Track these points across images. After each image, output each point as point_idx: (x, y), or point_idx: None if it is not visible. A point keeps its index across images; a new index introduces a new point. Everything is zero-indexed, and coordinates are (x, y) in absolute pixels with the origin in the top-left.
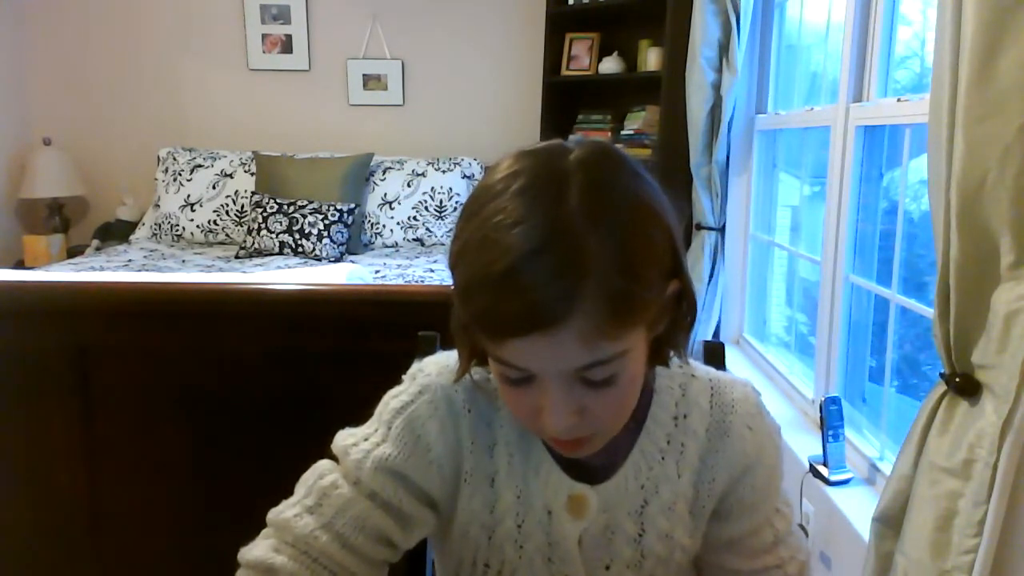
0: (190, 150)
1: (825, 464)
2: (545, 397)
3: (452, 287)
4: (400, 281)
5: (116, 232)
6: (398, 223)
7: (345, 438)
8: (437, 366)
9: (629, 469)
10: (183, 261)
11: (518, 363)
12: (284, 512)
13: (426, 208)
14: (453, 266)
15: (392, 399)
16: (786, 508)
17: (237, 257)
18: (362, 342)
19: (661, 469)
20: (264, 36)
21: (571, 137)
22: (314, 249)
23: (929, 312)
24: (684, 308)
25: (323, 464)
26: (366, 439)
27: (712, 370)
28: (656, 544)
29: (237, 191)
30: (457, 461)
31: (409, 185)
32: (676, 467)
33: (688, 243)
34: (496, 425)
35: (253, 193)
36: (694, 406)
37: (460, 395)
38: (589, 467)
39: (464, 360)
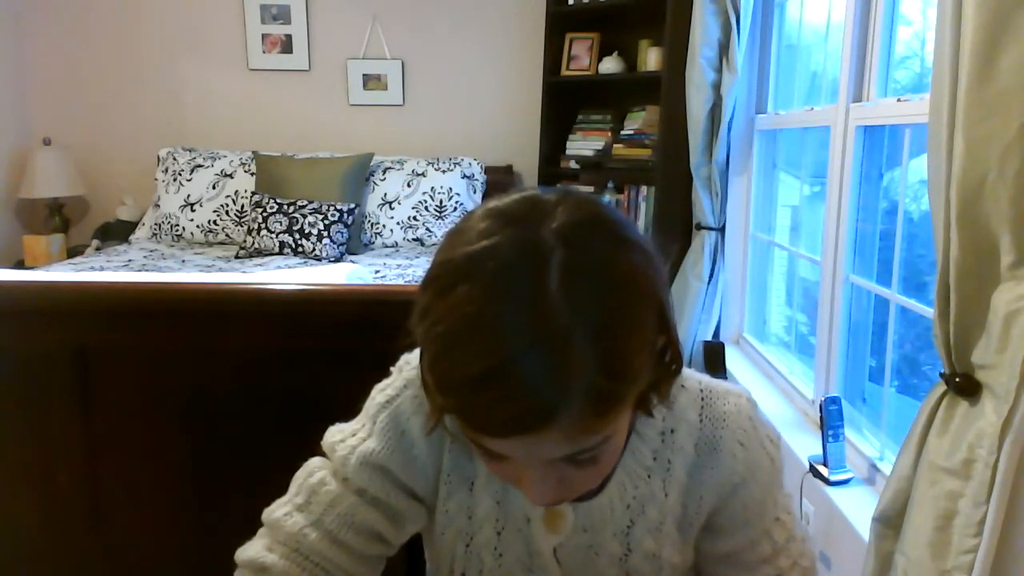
0: (190, 150)
1: (825, 464)
2: (525, 475)
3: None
4: (400, 281)
5: (116, 232)
6: (398, 223)
7: (333, 434)
8: None
9: (614, 489)
10: (183, 261)
11: (498, 451)
12: (275, 511)
13: (426, 208)
14: (422, 342)
15: (378, 393)
16: (786, 516)
17: (237, 257)
18: (362, 342)
19: (647, 488)
20: (264, 36)
21: (556, 186)
22: (314, 249)
23: (929, 312)
24: (668, 360)
25: (313, 462)
26: (353, 434)
27: (705, 378)
28: (642, 564)
29: (237, 191)
30: (438, 459)
31: (409, 185)
32: (663, 485)
33: (688, 243)
34: None
35: (253, 193)
36: (682, 420)
37: None
38: None
39: (435, 412)
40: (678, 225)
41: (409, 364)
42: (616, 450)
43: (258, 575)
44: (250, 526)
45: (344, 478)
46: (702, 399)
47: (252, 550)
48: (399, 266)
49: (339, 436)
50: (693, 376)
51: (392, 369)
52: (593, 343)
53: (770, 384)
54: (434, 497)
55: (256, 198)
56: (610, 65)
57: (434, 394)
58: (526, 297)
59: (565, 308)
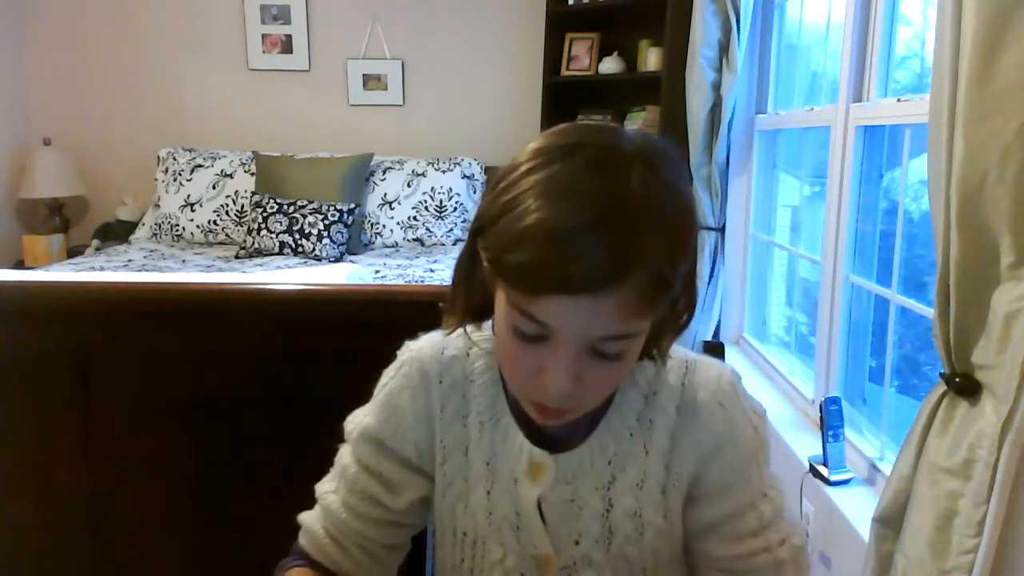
0: (190, 150)
1: (825, 464)
2: (552, 358)
3: (475, 235)
4: (400, 281)
5: (116, 232)
6: (398, 223)
7: (351, 416)
8: (425, 341)
9: (595, 443)
10: (183, 261)
11: (547, 320)
12: (320, 483)
13: (426, 208)
14: (495, 215)
15: (384, 375)
16: (774, 493)
17: (237, 257)
18: (362, 342)
19: (629, 446)
20: (264, 36)
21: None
22: (314, 249)
23: (929, 312)
24: (682, 305)
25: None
26: (365, 415)
27: (692, 353)
28: (625, 521)
29: (237, 191)
30: (430, 429)
31: (409, 185)
32: (644, 444)
33: None
34: (470, 395)
35: (253, 193)
36: (664, 384)
37: (434, 366)
38: (554, 439)
39: (459, 313)
40: None
41: (408, 347)
42: (632, 360)
43: (301, 534)
44: (249, 526)
45: (354, 453)
46: (686, 367)
47: (303, 514)
48: (399, 266)
49: (352, 417)
50: (681, 351)
51: (398, 353)
52: (658, 233)
53: (770, 384)
54: (432, 464)
55: (256, 198)
56: (610, 65)
57: (500, 259)
58: (611, 183)
59: (642, 199)
